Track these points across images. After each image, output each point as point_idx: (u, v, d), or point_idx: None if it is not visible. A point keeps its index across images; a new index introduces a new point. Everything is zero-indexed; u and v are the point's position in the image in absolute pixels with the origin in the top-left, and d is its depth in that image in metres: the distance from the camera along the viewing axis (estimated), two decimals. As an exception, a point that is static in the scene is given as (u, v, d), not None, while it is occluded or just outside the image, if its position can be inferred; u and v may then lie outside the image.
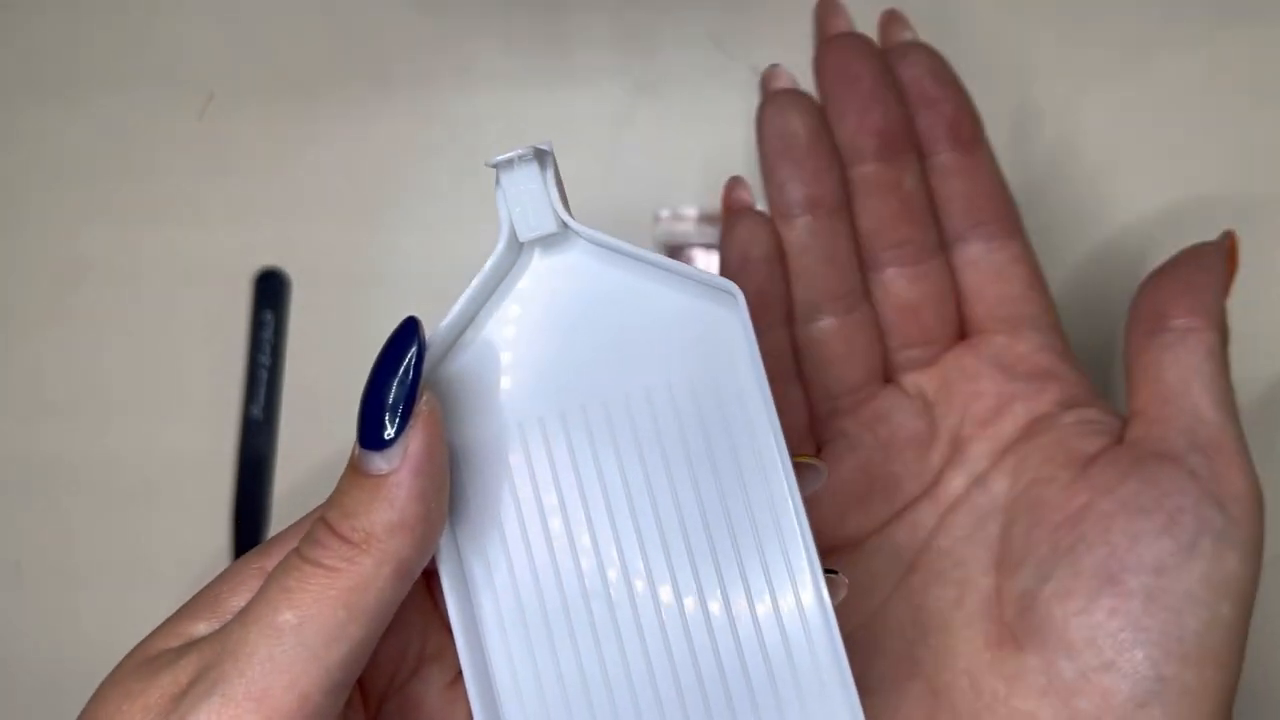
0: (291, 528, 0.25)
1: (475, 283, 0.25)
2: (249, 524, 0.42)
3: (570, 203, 0.26)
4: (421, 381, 0.23)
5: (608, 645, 0.24)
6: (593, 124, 0.44)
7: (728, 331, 0.25)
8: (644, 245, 0.43)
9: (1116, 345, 0.42)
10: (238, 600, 0.23)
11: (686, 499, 0.25)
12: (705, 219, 0.43)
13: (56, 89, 0.45)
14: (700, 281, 0.25)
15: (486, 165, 0.25)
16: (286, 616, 0.21)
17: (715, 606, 0.24)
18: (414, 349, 0.23)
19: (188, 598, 0.24)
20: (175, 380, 0.43)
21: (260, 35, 0.45)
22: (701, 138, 0.44)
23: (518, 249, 0.26)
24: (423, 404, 0.23)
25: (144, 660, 0.23)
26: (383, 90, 0.44)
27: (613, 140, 0.44)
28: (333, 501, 0.23)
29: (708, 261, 0.43)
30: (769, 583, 0.24)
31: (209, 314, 0.43)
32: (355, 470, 0.23)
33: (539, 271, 0.26)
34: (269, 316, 0.43)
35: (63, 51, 0.45)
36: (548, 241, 0.26)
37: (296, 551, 0.22)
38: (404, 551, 0.22)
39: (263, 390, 0.43)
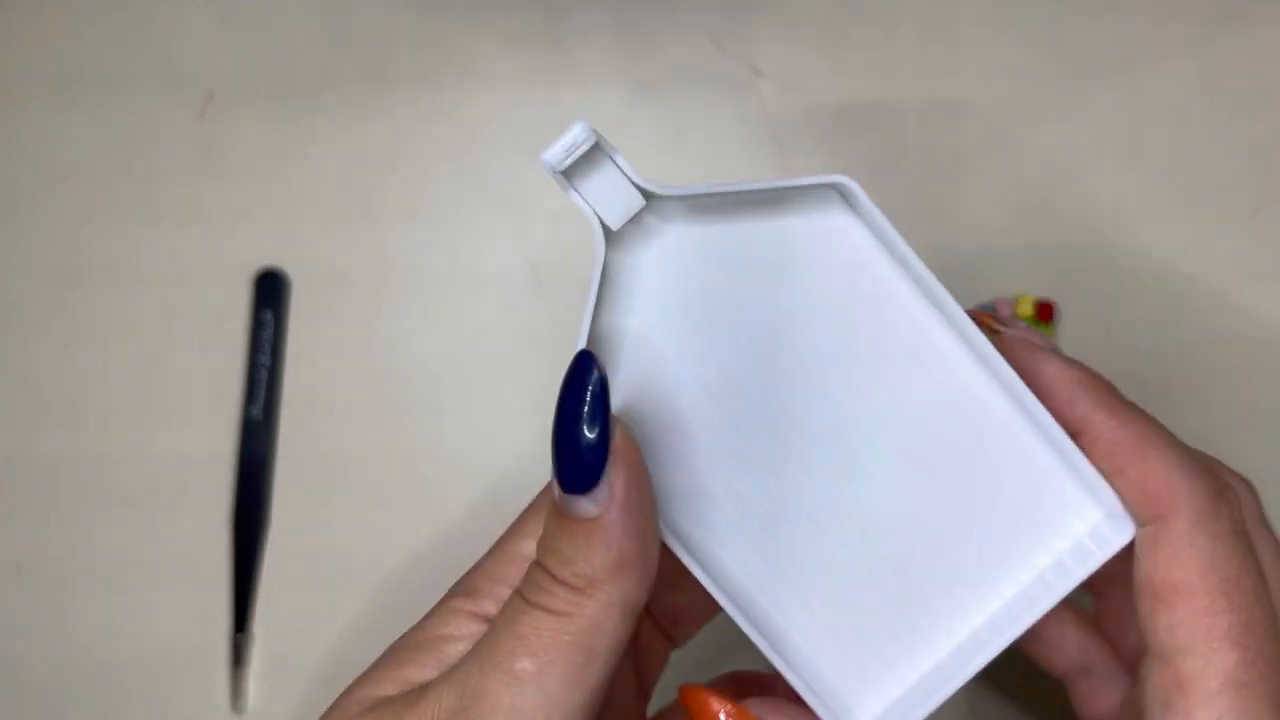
0: (487, 561, 0.25)
1: (593, 291, 0.24)
2: (249, 524, 0.42)
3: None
4: (611, 415, 0.22)
5: (832, 538, 0.25)
6: (592, 122, 0.44)
7: (853, 230, 0.24)
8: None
9: (1115, 342, 0.42)
10: (460, 646, 0.23)
11: (870, 400, 0.25)
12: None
13: (56, 89, 0.45)
14: (809, 187, 0.24)
15: (552, 174, 0.24)
16: (525, 664, 0.21)
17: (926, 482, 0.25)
18: (596, 384, 0.21)
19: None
20: (175, 380, 0.43)
21: (260, 35, 0.45)
22: (701, 137, 0.44)
23: (608, 238, 0.25)
24: (619, 439, 0.21)
25: (368, 709, 0.23)
26: (383, 90, 0.44)
27: (612, 139, 0.44)
28: (546, 547, 0.22)
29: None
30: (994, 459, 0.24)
31: (209, 314, 0.43)
32: (562, 515, 0.22)
33: (645, 247, 0.25)
34: (269, 316, 0.43)
35: (63, 51, 0.45)
36: (638, 216, 0.25)
37: (521, 596, 0.22)
38: (629, 590, 0.22)
39: (262, 390, 0.43)
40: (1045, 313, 0.41)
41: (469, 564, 0.41)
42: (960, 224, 0.43)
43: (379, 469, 0.42)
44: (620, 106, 0.44)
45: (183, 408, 0.43)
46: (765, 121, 0.44)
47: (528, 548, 0.25)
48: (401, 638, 0.24)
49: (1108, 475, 0.24)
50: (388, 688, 0.23)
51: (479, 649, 0.22)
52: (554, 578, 0.21)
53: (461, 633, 0.23)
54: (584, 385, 0.21)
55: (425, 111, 0.44)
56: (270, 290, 0.43)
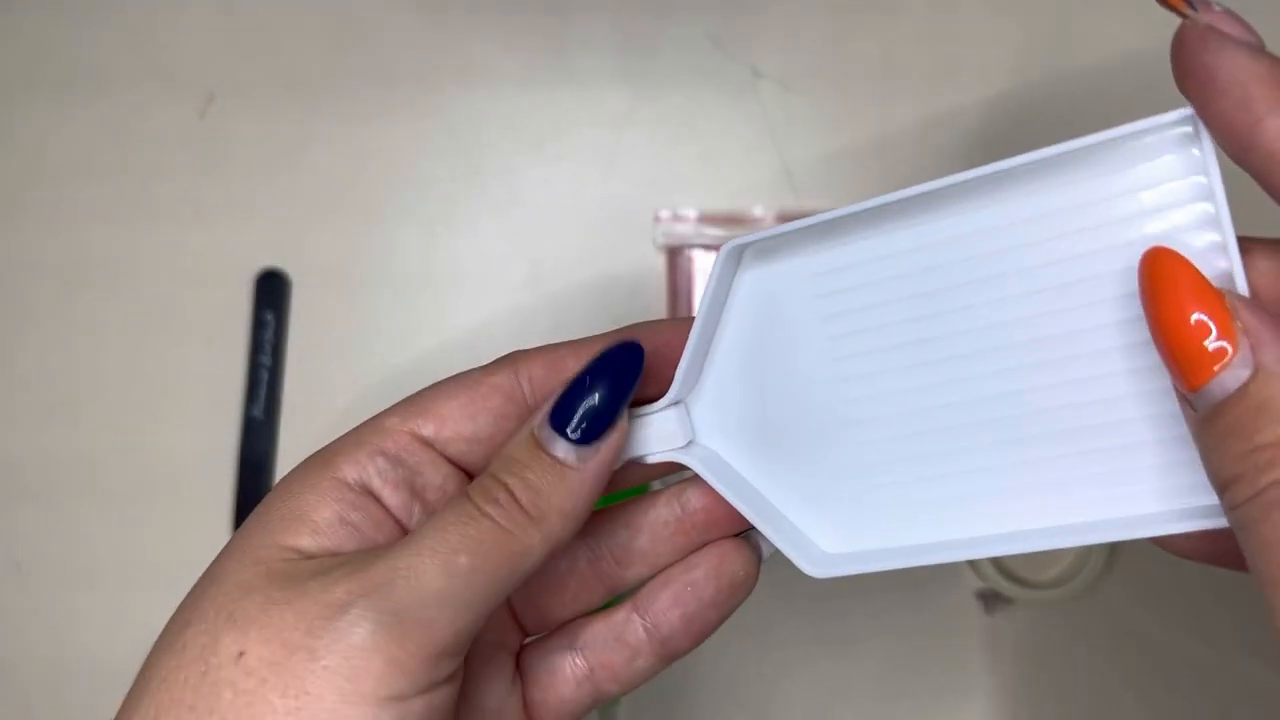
0: (354, 433, 0.25)
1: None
2: (249, 524, 0.42)
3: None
4: (628, 400, 0.24)
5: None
6: (593, 124, 0.44)
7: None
8: (644, 245, 0.43)
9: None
10: (327, 514, 0.24)
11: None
12: (705, 219, 0.43)
13: (56, 89, 0.45)
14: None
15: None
16: (463, 560, 0.22)
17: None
18: (637, 371, 0.24)
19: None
20: (176, 380, 0.43)
21: (261, 35, 0.45)
22: (701, 138, 0.44)
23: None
24: (624, 419, 0.24)
25: (271, 569, 0.23)
26: (383, 90, 0.44)
27: (613, 140, 0.44)
28: (512, 469, 0.23)
29: (706, 261, 0.43)
30: None
31: (210, 314, 0.43)
32: (542, 449, 0.24)
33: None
34: (269, 317, 0.43)
35: (63, 51, 0.45)
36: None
37: (472, 502, 0.23)
38: (564, 537, 0.23)
39: (263, 390, 0.43)
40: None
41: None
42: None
43: (379, 469, 0.42)
44: (620, 106, 0.44)
45: (184, 407, 0.43)
46: (765, 121, 0.44)
47: (394, 423, 0.26)
48: (266, 502, 0.24)
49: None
50: (276, 555, 0.23)
51: (418, 536, 0.22)
52: (514, 498, 0.23)
53: (331, 500, 0.24)
54: (631, 368, 0.24)
55: (425, 111, 0.44)
56: (271, 290, 0.43)
